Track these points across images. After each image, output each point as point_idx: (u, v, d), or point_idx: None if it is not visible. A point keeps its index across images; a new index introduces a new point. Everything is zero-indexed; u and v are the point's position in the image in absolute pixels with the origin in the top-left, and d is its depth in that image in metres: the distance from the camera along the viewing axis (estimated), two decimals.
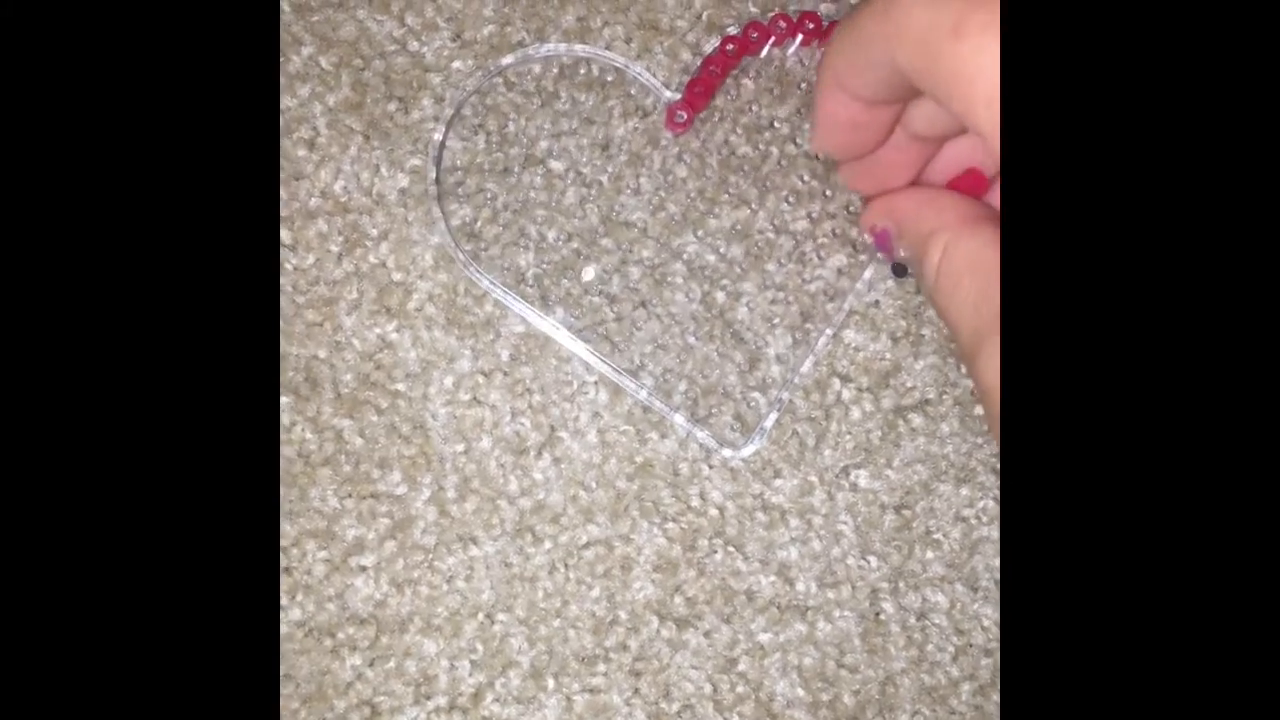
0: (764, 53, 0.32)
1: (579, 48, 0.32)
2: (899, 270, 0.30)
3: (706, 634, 0.31)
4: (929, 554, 0.32)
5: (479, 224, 0.32)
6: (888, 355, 0.32)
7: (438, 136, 0.32)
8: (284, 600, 0.31)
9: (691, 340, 0.32)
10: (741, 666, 0.31)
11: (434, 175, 0.32)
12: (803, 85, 0.33)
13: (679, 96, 0.32)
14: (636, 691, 0.31)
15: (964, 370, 0.32)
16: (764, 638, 0.31)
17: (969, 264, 0.25)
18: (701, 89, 0.32)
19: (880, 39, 0.23)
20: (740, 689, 0.31)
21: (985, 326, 0.24)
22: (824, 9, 0.33)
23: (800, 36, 0.32)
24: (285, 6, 0.32)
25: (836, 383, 0.32)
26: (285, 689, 0.31)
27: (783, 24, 0.32)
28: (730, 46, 0.32)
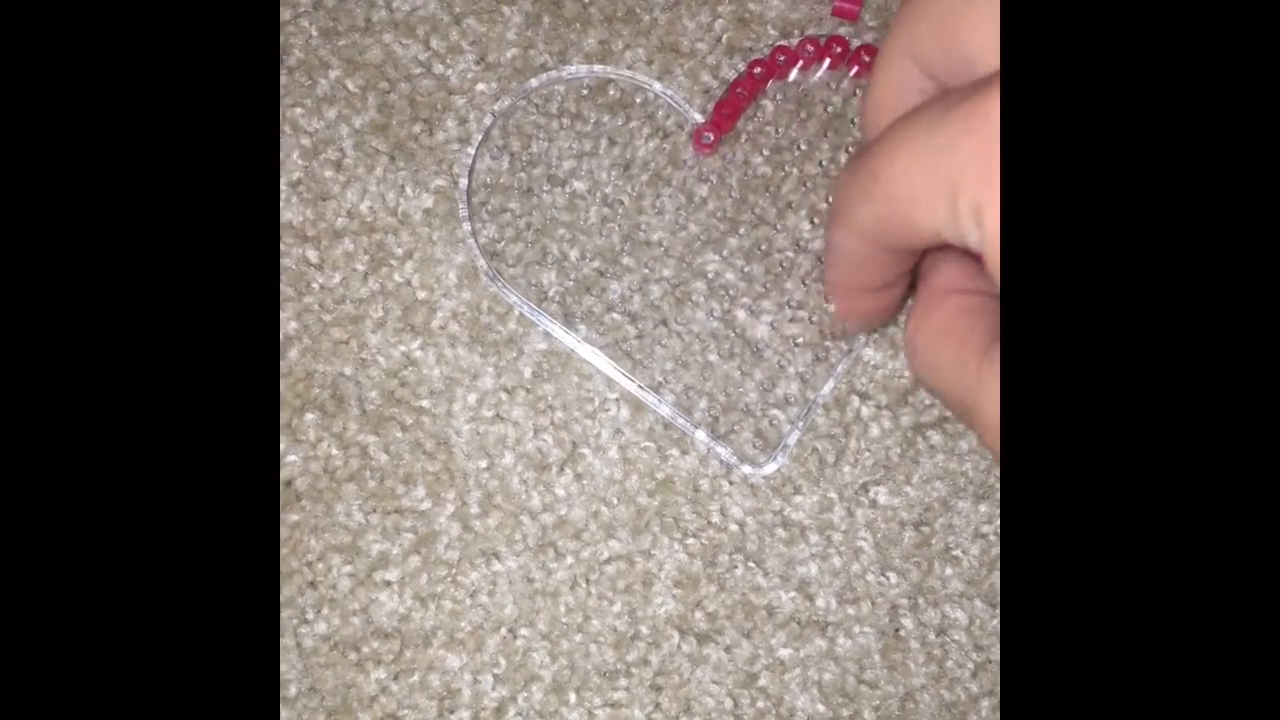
0: (791, 76, 0.33)
1: (610, 70, 0.33)
2: None
3: (727, 649, 0.32)
4: (948, 570, 0.32)
5: (503, 243, 0.32)
6: (906, 373, 0.32)
7: (471, 151, 0.32)
8: (309, 614, 0.31)
9: (712, 358, 0.32)
10: (762, 682, 0.32)
11: (466, 189, 0.32)
12: (827, 108, 0.33)
13: (704, 119, 0.32)
14: (658, 706, 0.32)
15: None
16: (784, 653, 0.32)
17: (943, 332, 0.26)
18: (728, 111, 0.32)
19: None
20: (761, 704, 0.32)
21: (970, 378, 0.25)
22: (843, 32, 0.33)
23: (828, 61, 0.33)
24: (313, 31, 0.33)
25: (856, 400, 0.32)
26: (310, 702, 0.31)
27: (810, 48, 0.32)
28: (758, 70, 0.32)
